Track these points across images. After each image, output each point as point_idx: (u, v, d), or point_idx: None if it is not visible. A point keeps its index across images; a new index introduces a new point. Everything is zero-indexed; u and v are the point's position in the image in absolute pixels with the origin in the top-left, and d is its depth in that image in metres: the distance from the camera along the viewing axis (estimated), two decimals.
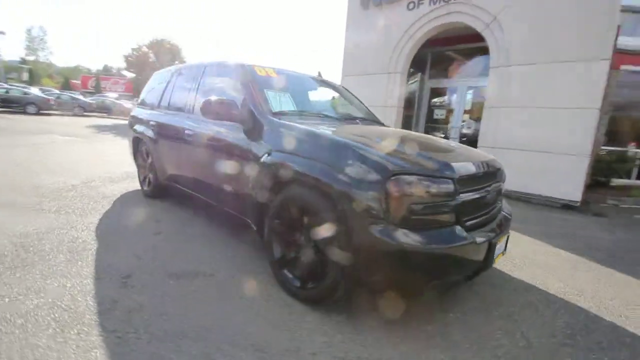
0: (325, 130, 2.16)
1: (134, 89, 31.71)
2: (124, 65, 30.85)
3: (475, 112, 7.35)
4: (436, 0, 6.48)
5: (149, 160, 3.87)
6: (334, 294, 1.86)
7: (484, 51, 6.28)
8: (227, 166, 2.54)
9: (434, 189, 1.66)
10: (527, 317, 2.05)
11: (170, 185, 3.56)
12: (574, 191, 5.24)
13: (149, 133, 3.71)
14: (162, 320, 1.74)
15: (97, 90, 35.94)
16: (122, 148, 7.29)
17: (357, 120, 3.02)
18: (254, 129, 2.37)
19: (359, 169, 1.70)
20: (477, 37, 6.22)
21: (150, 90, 4.17)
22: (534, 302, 2.24)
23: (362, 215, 1.64)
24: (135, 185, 4.48)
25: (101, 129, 13.45)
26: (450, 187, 1.70)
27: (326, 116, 2.88)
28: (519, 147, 5.68)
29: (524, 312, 2.11)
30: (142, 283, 2.09)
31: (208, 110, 2.43)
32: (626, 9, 7.87)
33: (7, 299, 1.80)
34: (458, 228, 1.72)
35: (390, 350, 1.65)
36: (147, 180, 4.01)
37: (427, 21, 6.70)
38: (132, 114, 4.40)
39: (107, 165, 5.78)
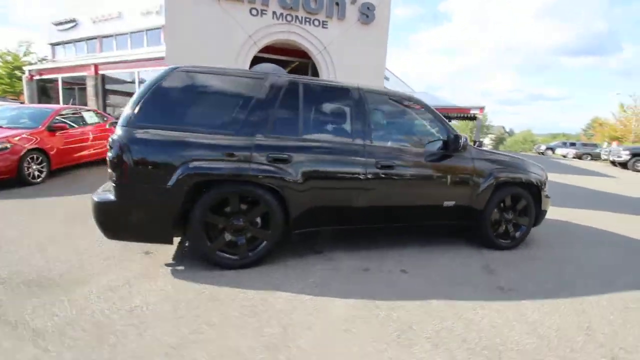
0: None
1: None
2: None
3: None
4: (279, 16, 7.40)
5: (259, 210, 2.69)
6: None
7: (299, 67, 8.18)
8: (455, 187, 3.28)
9: None
10: None
11: (308, 231, 2.93)
12: None
13: (284, 173, 2.65)
14: None
15: None
16: None
17: None
18: (463, 153, 3.33)
19: (542, 172, 3.67)
20: (299, 53, 8.01)
21: (221, 106, 2.65)
22: None
23: (542, 192, 3.67)
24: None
25: None
26: None
27: None
28: None
29: None
30: None
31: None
32: None
33: None
34: None
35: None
36: (257, 243, 2.74)
37: (270, 33, 7.45)
38: (171, 137, 2.44)
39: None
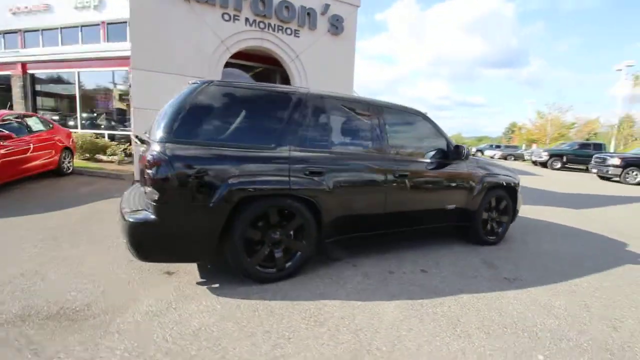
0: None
1: None
2: None
3: None
4: (252, 22, 7.30)
5: (296, 222, 2.74)
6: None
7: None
8: (456, 192, 3.64)
9: None
10: None
11: (334, 240, 3.05)
12: None
13: (319, 185, 2.74)
14: None
15: None
16: None
17: None
18: (461, 162, 3.72)
19: (516, 176, 4.23)
20: (269, 60, 8.02)
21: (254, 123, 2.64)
22: None
23: (518, 193, 4.25)
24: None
25: None
26: None
27: None
28: None
29: None
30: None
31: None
32: None
33: None
34: None
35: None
36: (291, 255, 2.78)
37: (243, 39, 7.33)
38: (210, 152, 2.39)
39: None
